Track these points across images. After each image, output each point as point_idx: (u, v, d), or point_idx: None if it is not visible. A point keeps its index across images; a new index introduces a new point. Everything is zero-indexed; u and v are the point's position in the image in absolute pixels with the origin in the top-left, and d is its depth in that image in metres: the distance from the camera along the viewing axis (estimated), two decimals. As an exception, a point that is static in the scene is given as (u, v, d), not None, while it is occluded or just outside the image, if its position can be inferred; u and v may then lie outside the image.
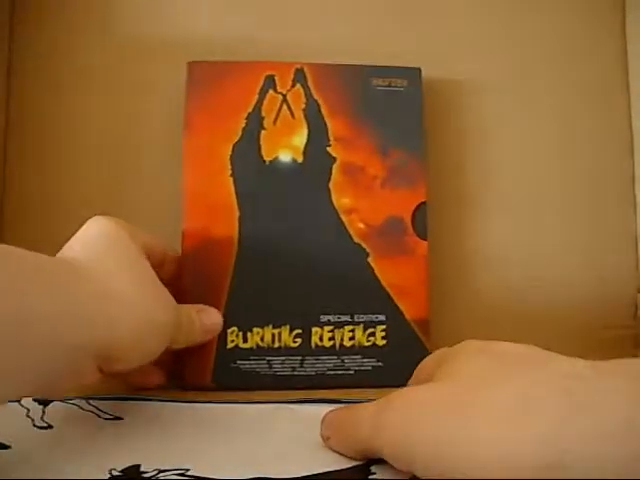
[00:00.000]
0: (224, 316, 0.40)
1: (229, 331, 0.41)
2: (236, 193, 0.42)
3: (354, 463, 0.29)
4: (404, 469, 0.25)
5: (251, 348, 0.41)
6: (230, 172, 0.43)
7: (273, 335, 0.41)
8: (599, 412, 0.20)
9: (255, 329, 0.41)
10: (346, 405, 0.31)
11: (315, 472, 0.28)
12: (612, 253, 0.47)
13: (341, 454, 0.30)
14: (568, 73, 0.49)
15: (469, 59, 0.49)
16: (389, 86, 0.44)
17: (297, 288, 0.42)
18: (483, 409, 0.23)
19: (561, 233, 0.48)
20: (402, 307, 0.42)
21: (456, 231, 0.48)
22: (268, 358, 0.41)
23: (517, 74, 0.49)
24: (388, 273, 0.42)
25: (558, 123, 0.49)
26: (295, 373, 0.41)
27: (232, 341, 0.41)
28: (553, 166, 0.48)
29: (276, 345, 0.41)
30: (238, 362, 0.41)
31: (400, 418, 0.25)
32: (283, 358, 0.41)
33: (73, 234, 0.33)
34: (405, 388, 0.28)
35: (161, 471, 0.28)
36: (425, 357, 0.32)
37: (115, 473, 0.27)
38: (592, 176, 0.48)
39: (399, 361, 0.41)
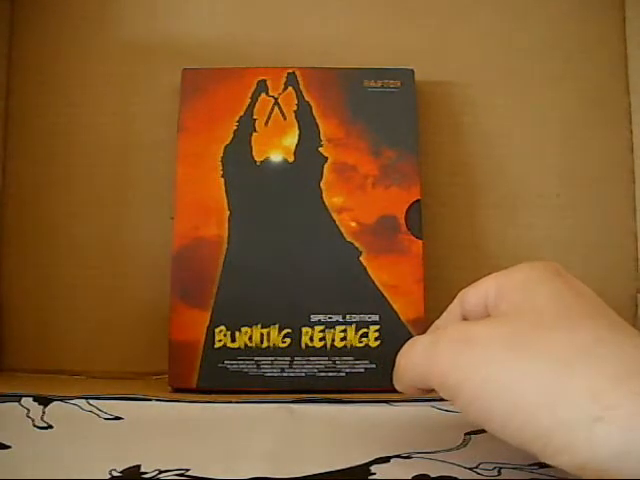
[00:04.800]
0: (212, 315, 0.40)
1: (217, 330, 0.41)
2: (226, 193, 0.43)
3: (354, 463, 0.29)
4: (449, 400, 0.25)
5: (239, 348, 0.41)
6: (221, 173, 0.43)
7: (262, 335, 0.41)
8: None
9: (244, 328, 0.41)
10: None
11: (315, 472, 0.28)
12: (612, 253, 0.48)
13: (341, 453, 0.30)
14: (565, 73, 0.50)
15: (462, 60, 0.50)
16: (382, 87, 0.45)
17: (287, 287, 0.42)
18: (540, 354, 0.23)
19: (560, 233, 0.48)
20: (396, 307, 0.42)
21: (452, 230, 0.48)
22: (256, 358, 0.41)
23: (512, 74, 0.50)
24: (381, 272, 0.42)
25: (555, 122, 0.49)
26: (284, 374, 0.41)
27: (220, 341, 0.41)
28: (551, 165, 0.49)
29: (265, 345, 0.41)
30: (226, 362, 0.41)
31: (451, 354, 0.25)
32: (272, 358, 0.41)
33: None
34: (462, 323, 0.28)
35: (161, 471, 0.28)
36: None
37: (115, 473, 0.27)
38: (591, 176, 0.49)
39: (393, 363, 0.40)
